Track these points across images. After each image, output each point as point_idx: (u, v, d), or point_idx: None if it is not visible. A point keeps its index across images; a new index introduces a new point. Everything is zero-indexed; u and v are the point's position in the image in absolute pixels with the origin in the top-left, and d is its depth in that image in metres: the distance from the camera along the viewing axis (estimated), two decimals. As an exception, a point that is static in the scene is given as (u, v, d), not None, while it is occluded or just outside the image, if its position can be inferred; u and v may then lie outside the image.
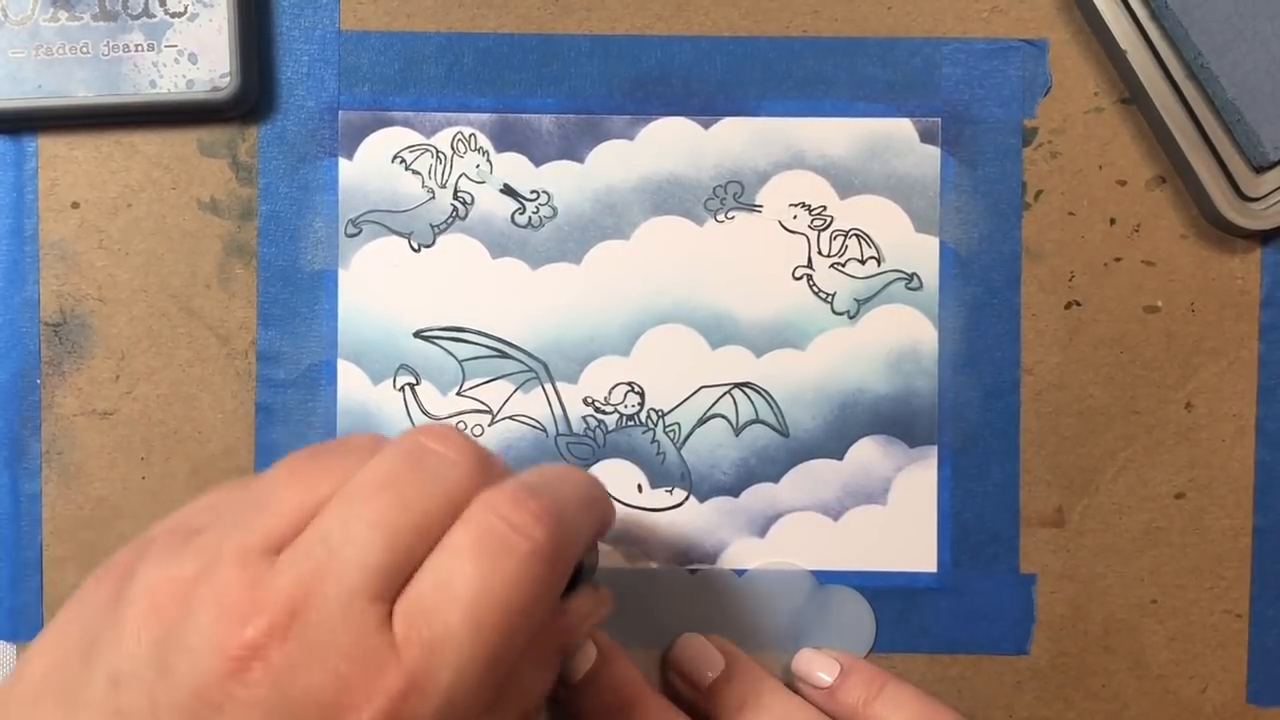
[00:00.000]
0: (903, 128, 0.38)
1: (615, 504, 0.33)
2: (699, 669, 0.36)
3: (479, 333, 0.38)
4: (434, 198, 0.38)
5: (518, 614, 0.26)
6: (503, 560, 0.26)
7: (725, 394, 0.38)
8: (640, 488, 0.38)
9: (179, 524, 0.28)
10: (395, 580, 0.25)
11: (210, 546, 0.26)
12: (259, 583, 0.25)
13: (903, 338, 0.38)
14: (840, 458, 0.38)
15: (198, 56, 0.37)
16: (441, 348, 0.38)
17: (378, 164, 0.38)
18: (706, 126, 0.38)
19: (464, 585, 0.25)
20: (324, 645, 0.24)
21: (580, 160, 0.38)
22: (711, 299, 0.38)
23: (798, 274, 0.38)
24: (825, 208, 0.38)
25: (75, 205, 0.38)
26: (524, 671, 0.29)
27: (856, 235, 0.38)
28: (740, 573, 0.38)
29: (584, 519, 0.30)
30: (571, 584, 0.31)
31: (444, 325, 0.38)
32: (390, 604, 0.25)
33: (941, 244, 0.38)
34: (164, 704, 0.24)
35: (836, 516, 0.38)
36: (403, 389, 0.38)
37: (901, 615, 0.38)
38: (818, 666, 0.37)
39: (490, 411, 0.38)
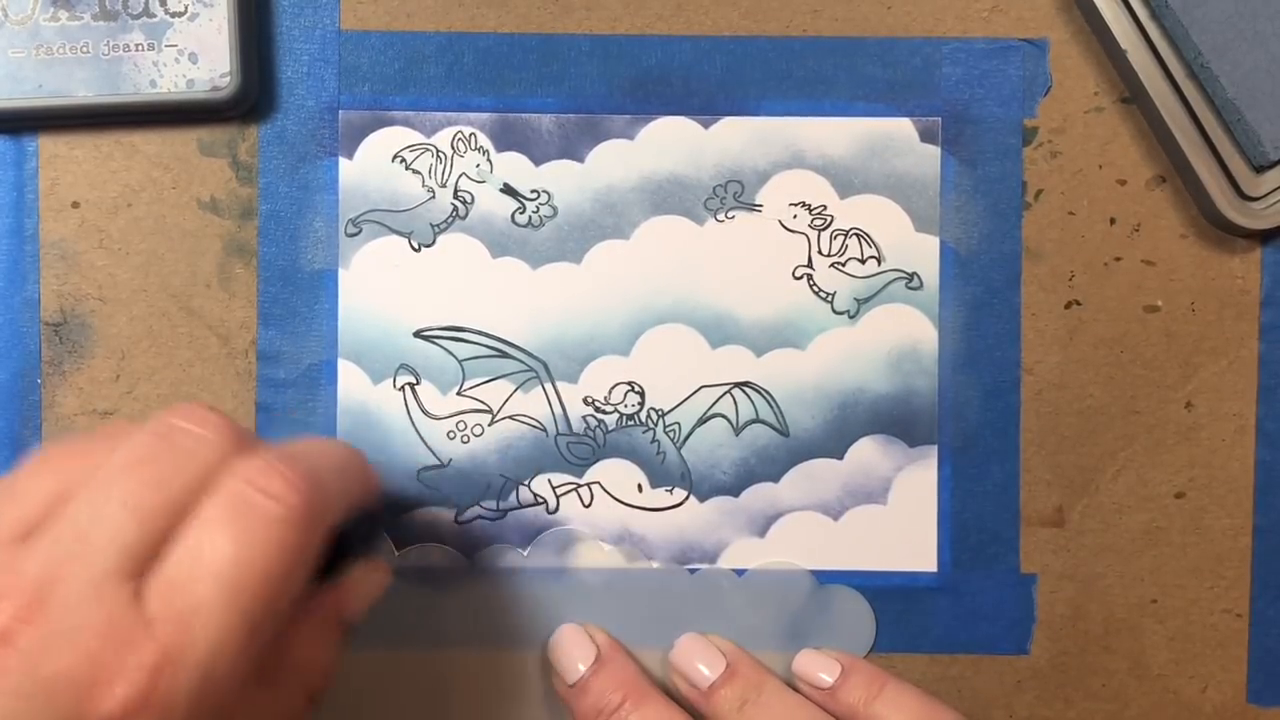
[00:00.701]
0: (903, 127, 0.38)
1: (377, 475, 0.34)
2: (699, 669, 0.36)
3: (479, 332, 0.38)
4: (434, 197, 0.38)
5: (272, 580, 0.26)
6: (253, 527, 0.26)
7: (725, 394, 0.38)
8: (640, 487, 0.38)
9: None
10: (146, 558, 0.25)
11: None
12: (6, 568, 0.25)
13: (903, 337, 0.38)
14: (840, 457, 0.38)
15: (198, 56, 0.37)
16: (441, 347, 0.38)
17: (378, 163, 0.38)
18: (706, 126, 0.38)
19: (214, 554, 0.25)
20: (73, 626, 0.24)
21: (580, 160, 0.38)
22: (711, 299, 0.38)
23: (798, 273, 0.38)
24: (825, 207, 0.38)
25: (75, 205, 0.38)
26: (299, 643, 0.30)
27: (856, 235, 0.38)
28: (740, 573, 0.38)
29: (340, 485, 0.30)
30: (348, 558, 0.31)
31: (444, 325, 0.38)
32: (142, 581, 0.25)
33: (941, 244, 0.38)
34: None
35: (836, 516, 0.38)
36: (403, 389, 0.38)
37: (901, 615, 0.38)
38: (818, 667, 0.37)
39: (490, 411, 0.38)
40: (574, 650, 0.37)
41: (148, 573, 0.25)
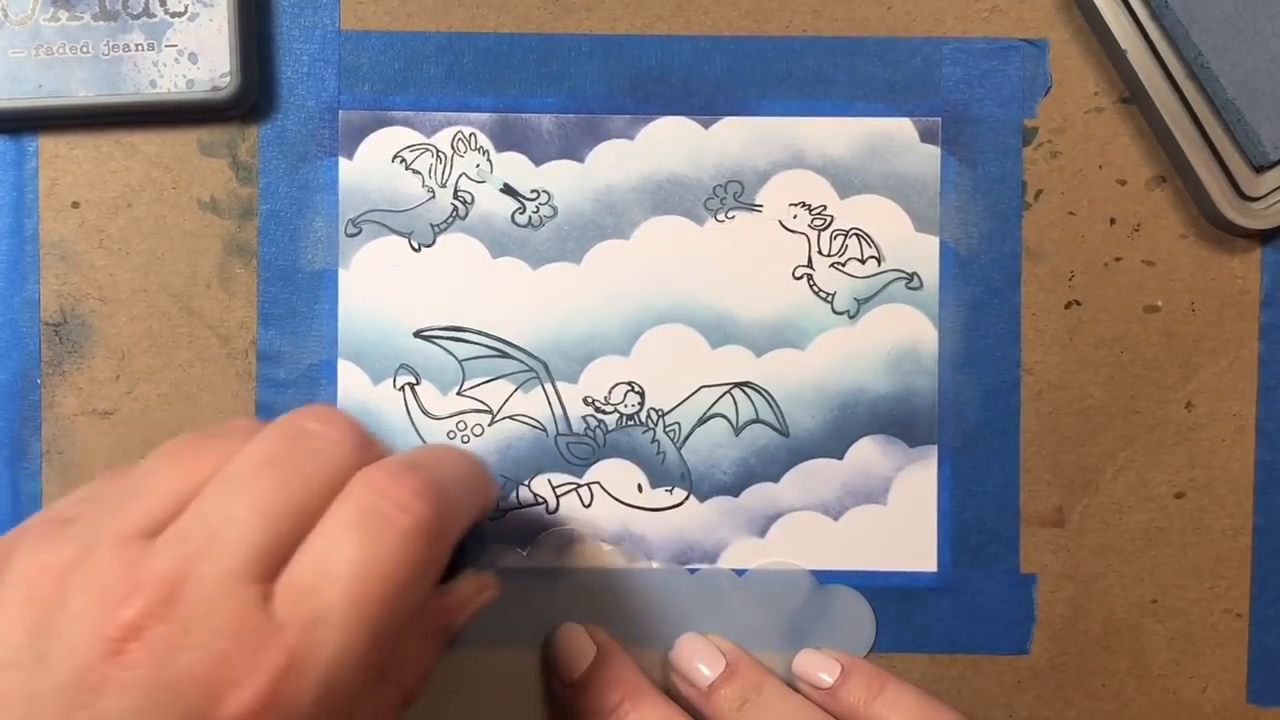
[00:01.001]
0: (903, 127, 0.38)
1: (495, 485, 0.34)
2: (700, 668, 0.36)
3: (479, 332, 0.38)
4: (434, 197, 0.38)
5: (398, 591, 0.26)
6: (382, 537, 0.26)
7: (725, 394, 0.38)
8: (640, 487, 0.38)
9: (56, 513, 0.28)
10: (275, 560, 0.25)
11: (86, 532, 0.26)
12: (136, 565, 0.25)
13: (903, 337, 0.38)
14: (840, 457, 0.38)
15: (198, 56, 0.37)
16: (441, 347, 0.38)
17: (378, 163, 0.38)
18: (706, 126, 0.38)
19: (344, 563, 0.25)
20: (203, 624, 0.24)
21: (580, 160, 0.38)
22: (711, 299, 0.38)
23: (798, 273, 0.38)
24: (825, 207, 0.38)
25: (75, 205, 0.38)
26: (406, 650, 0.30)
27: (856, 235, 0.38)
28: (740, 573, 0.38)
29: (465, 497, 0.30)
30: (456, 567, 0.31)
31: (444, 325, 0.38)
32: (271, 583, 0.25)
33: (941, 244, 0.38)
34: (41, 690, 0.24)
35: (836, 516, 0.38)
36: (403, 389, 0.38)
37: (901, 615, 0.38)
38: (819, 667, 0.37)
39: (490, 411, 0.38)
40: (574, 650, 0.37)
41: (275, 576, 0.25)
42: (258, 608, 0.25)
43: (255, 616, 0.24)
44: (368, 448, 0.28)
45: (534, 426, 0.38)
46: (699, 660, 0.37)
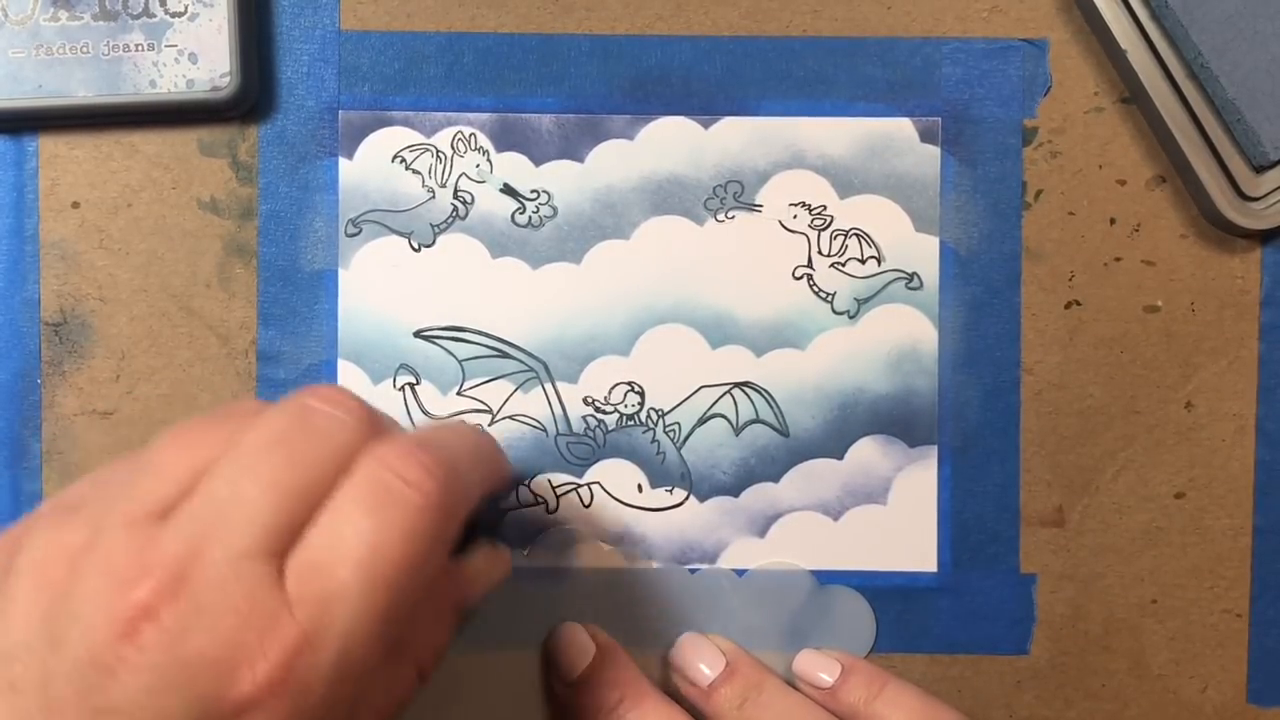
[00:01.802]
0: (903, 127, 0.38)
1: (509, 461, 0.34)
2: (700, 668, 0.36)
3: (479, 332, 0.38)
4: (434, 197, 0.38)
5: (410, 567, 0.26)
6: (393, 513, 0.26)
7: (725, 394, 0.38)
8: (640, 487, 0.38)
9: (65, 499, 0.28)
10: (286, 538, 0.25)
11: (97, 515, 0.26)
12: (147, 546, 0.25)
13: (903, 337, 0.38)
14: (840, 457, 0.38)
15: (198, 56, 0.37)
16: (441, 347, 0.38)
17: (378, 163, 0.38)
18: (706, 126, 0.38)
19: (355, 539, 0.25)
20: (215, 604, 0.24)
21: (580, 160, 0.38)
22: (711, 299, 0.38)
23: (798, 274, 0.38)
24: (825, 207, 0.38)
25: (75, 205, 0.38)
26: (419, 626, 0.30)
27: (856, 235, 0.38)
28: (740, 573, 0.38)
29: (475, 472, 0.30)
30: (469, 542, 0.31)
31: (444, 325, 0.38)
32: (282, 562, 0.25)
33: (941, 244, 0.38)
34: (57, 673, 0.24)
35: (836, 516, 0.38)
36: (403, 389, 0.38)
37: (901, 615, 0.38)
38: (819, 667, 0.37)
39: (490, 411, 0.38)
40: (573, 649, 0.37)
41: (286, 554, 0.25)
42: (270, 586, 0.25)
43: (267, 595, 0.24)
44: (375, 425, 0.28)
45: (534, 426, 0.38)
46: (699, 659, 0.37)
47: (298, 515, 0.25)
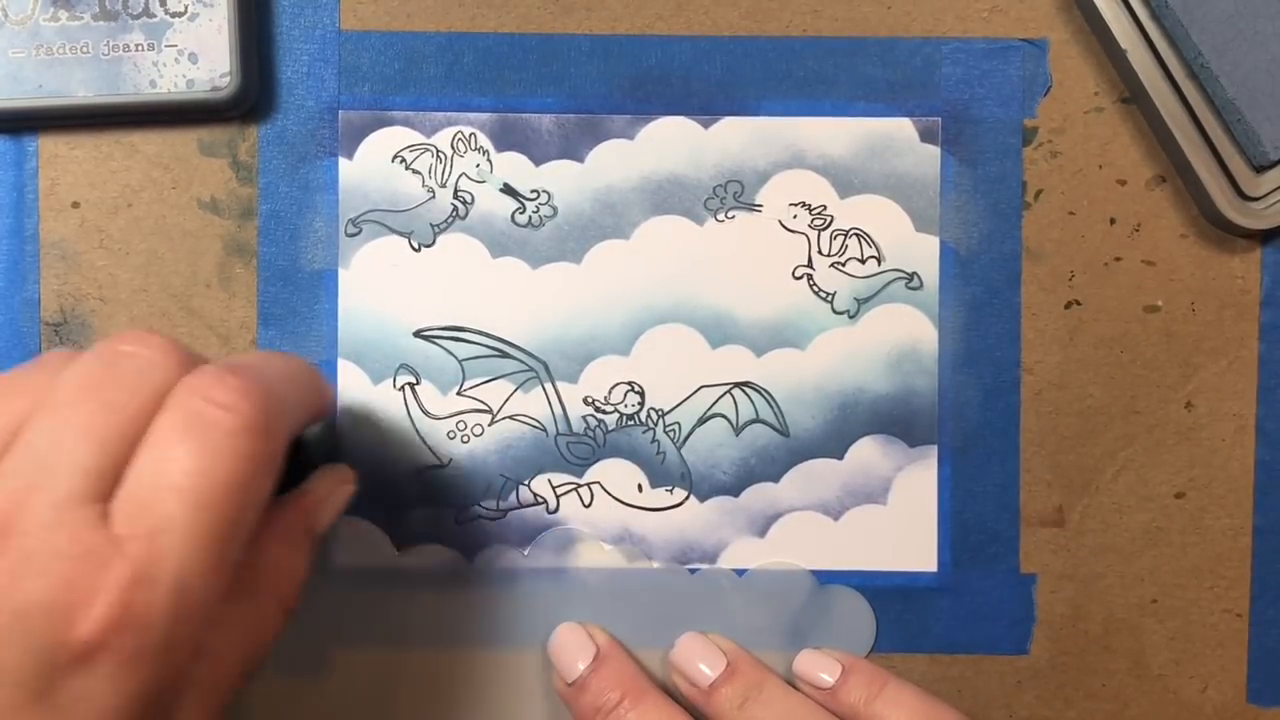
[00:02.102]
0: (903, 127, 0.38)
1: (327, 384, 0.34)
2: (700, 668, 0.36)
3: (479, 332, 0.38)
4: (434, 197, 0.38)
5: (235, 490, 0.26)
6: (211, 439, 0.26)
7: (725, 393, 0.38)
8: (640, 487, 0.38)
9: None
10: (108, 480, 0.25)
11: None
12: None
13: (903, 337, 0.38)
14: (840, 457, 0.38)
15: (198, 56, 0.37)
16: (441, 347, 0.38)
17: (378, 163, 0.38)
18: (706, 126, 0.38)
19: (176, 469, 0.25)
20: (41, 551, 0.24)
21: (580, 160, 0.38)
22: (711, 299, 0.38)
23: (798, 273, 0.38)
24: (825, 207, 0.38)
25: (75, 205, 0.38)
26: (267, 555, 0.30)
27: (856, 235, 0.38)
28: (740, 573, 0.38)
29: (292, 394, 0.30)
30: (306, 470, 0.31)
31: (444, 325, 0.38)
32: (106, 504, 0.25)
33: (941, 243, 0.38)
34: None
35: (836, 516, 0.38)
36: (403, 388, 0.38)
37: (901, 615, 0.38)
38: (819, 667, 0.37)
39: (490, 411, 0.38)
40: (573, 649, 0.37)
41: (110, 496, 0.25)
42: (95, 527, 0.25)
43: (94, 536, 0.25)
44: (186, 361, 0.28)
45: (534, 426, 0.38)
46: (700, 659, 0.37)
47: (118, 456, 0.26)
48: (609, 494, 0.38)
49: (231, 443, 0.26)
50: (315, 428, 0.32)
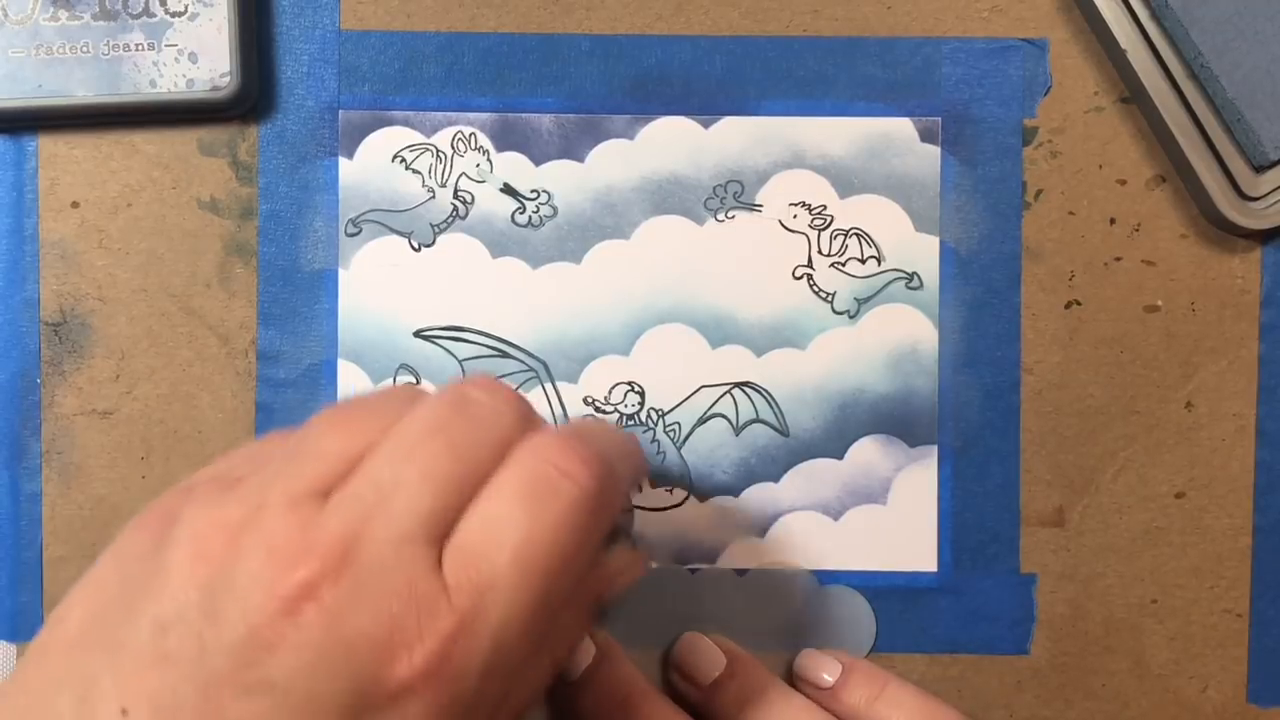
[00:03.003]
0: (903, 127, 0.38)
1: (646, 460, 0.34)
2: (701, 668, 0.36)
3: (479, 332, 0.38)
4: (434, 197, 0.38)
5: (564, 559, 0.26)
6: (550, 504, 0.26)
7: (725, 393, 0.38)
8: (640, 487, 0.38)
9: (220, 472, 0.28)
10: (444, 525, 0.25)
11: (256, 491, 0.26)
12: (309, 525, 0.25)
13: (903, 337, 0.38)
14: (840, 457, 0.38)
15: (198, 56, 0.37)
16: (441, 347, 0.38)
17: (378, 163, 0.38)
18: (706, 126, 0.38)
19: (512, 529, 0.25)
20: (376, 586, 0.24)
21: (580, 160, 0.38)
22: (711, 299, 0.38)
23: (798, 273, 0.38)
24: (825, 207, 0.38)
25: (75, 205, 0.38)
26: (563, 620, 0.29)
27: (856, 235, 0.38)
28: (741, 573, 0.38)
29: (626, 469, 0.30)
30: (608, 540, 0.31)
31: (444, 325, 0.38)
32: (440, 548, 0.25)
33: (941, 243, 0.38)
34: (214, 646, 0.24)
35: (836, 516, 0.38)
36: (403, 389, 0.38)
37: (901, 615, 0.38)
38: (820, 667, 0.37)
39: (490, 411, 0.38)
40: (575, 649, 0.37)
41: (444, 541, 0.25)
42: (429, 571, 0.25)
43: (426, 580, 0.25)
44: (530, 418, 0.28)
45: (534, 426, 0.38)
46: (700, 659, 0.37)
47: (456, 503, 0.26)
48: (609, 494, 0.38)
49: (568, 512, 0.26)
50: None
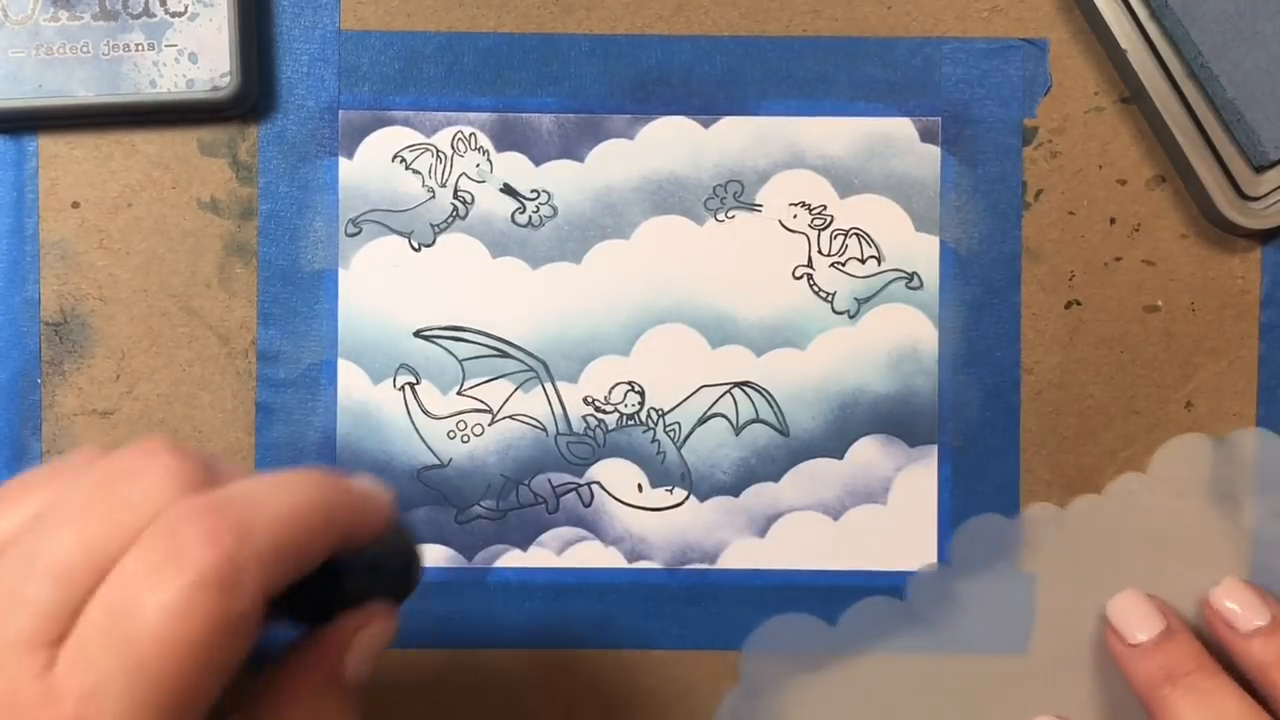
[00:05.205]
0: (903, 127, 0.38)
1: (374, 503, 0.28)
2: (1131, 628, 0.36)
3: (479, 332, 0.38)
4: (434, 197, 0.38)
5: (184, 651, 0.23)
6: (161, 590, 0.23)
7: (725, 393, 0.38)
8: (640, 487, 0.38)
9: None
10: (66, 621, 0.23)
11: None
12: None
13: (903, 337, 0.38)
14: (840, 457, 0.38)
15: (198, 56, 0.37)
16: (441, 347, 0.38)
17: (378, 163, 0.38)
18: (706, 126, 0.38)
19: (123, 622, 0.23)
20: None
21: (580, 160, 0.38)
22: (711, 299, 0.38)
23: (798, 273, 0.38)
24: (825, 207, 0.38)
25: (75, 205, 0.38)
26: (289, 714, 0.27)
27: (856, 235, 0.38)
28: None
29: (289, 536, 0.25)
30: (341, 601, 0.27)
31: (444, 325, 0.38)
32: (57, 649, 0.23)
33: (941, 243, 0.38)
34: None
35: (836, 516, 0.38)
36: (403, 388, 0.38)
37: (900, 615, 0.38)
38: (1249, 606, 0.36)
39: (490, 411, 0.38)
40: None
41: (65, 638, 0.23)
42: (36, 679, 0.23)
43: (31, 689, 0.23)
44: (189, 483, 0.25)
45: (534, 426, 0.38)
46: (1133, 619, 0.36)
47: (82, 594, 0.24)
48: (609, 494, 0.38)
49: (187, 596, 0.23)
50: (374, 551, 0.28)
